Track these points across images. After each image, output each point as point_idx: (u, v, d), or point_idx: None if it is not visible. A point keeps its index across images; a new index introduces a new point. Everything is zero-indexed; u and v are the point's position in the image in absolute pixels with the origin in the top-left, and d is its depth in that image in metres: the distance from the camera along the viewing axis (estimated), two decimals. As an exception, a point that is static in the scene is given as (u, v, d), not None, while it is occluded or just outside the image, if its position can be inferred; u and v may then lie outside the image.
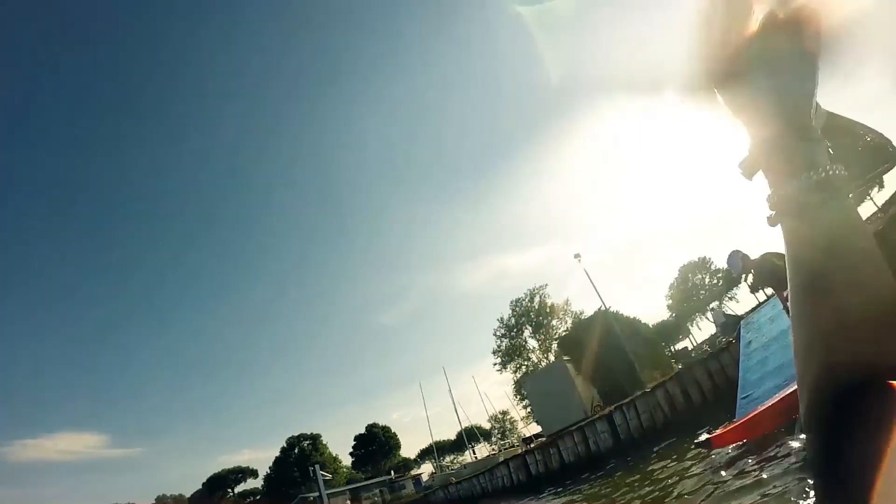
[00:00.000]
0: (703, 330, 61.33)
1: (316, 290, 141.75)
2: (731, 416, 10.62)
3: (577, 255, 30.38)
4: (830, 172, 0.54)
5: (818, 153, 0.56)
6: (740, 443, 7.89)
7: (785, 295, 7.80)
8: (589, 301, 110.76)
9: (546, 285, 53.13)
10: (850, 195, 0.55)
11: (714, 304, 58.69)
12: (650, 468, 11.01)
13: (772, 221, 0.60)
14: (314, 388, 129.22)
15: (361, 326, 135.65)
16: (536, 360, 49.07)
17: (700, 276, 66.13)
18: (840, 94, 0.65)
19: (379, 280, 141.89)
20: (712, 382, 15.50)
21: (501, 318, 52.14)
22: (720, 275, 64.00)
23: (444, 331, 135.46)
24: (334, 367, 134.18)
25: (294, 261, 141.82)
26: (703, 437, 8.48)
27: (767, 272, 7.80)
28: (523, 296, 52.75)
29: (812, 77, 0.57)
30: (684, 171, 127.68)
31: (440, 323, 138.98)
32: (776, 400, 7.84)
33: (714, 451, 8.23)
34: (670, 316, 62.22)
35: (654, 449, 13.03)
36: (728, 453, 7.97)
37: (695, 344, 50.50)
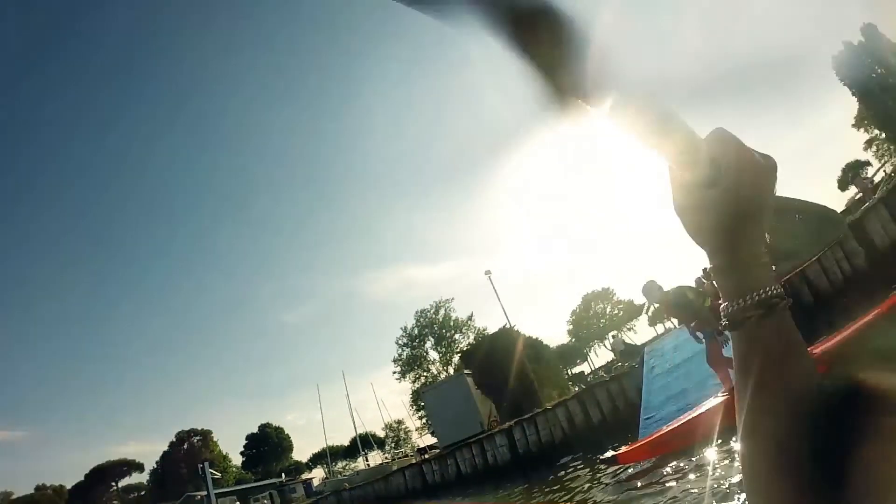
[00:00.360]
0: (600, 356, 63.55)
1: (217, 277, 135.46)
2: (632, 436, 10.89)
3: (487, 272, 30.88)
4: (770, 292, 0.64)
5: (762, 275, 0.65)
6: (647, 460, 8.01)
7: (693, 325, 8.09)
8: (494, 318, 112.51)
9: (452, 299, 53.42)
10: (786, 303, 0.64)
11: (613, 333, 60.83)
12: (556, 481, 11.06)
13: (725, 330, 0.69)
14: (208, 381, 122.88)
15: (262, 322, 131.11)
16: (436, 372, 49.04)
17: (602, 306, 68.68)
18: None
19: (285, 276, 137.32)
20: (613, 404, 15.85)
21: (405, 327, 51.88)
22: (622, 305, 66.69)
23: (347, 335, 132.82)
24: (230, 360, 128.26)
25: (193, 245, 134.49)
26: (609, 454, 8.59)
27: (681, 303, 8.06)
28: (429, 307, 52.95)
29: (766, 217, 0.67)
30: (598, 204, 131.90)
31: (343, 326, 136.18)
32: (682, 422, 8.04)
33: (620, 468, 8.31)
34: (570, 340, 63.94)
35: (557, 464, 13.13)
36: (634, 470, 8.06)
37: (592, 368, 51.93)
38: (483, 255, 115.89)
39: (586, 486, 8.85)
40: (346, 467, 65.52)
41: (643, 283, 8.44)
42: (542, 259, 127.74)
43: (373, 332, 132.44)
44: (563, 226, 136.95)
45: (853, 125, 57.07)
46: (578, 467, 11.42)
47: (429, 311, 52.27)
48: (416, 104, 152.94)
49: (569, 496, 8.69)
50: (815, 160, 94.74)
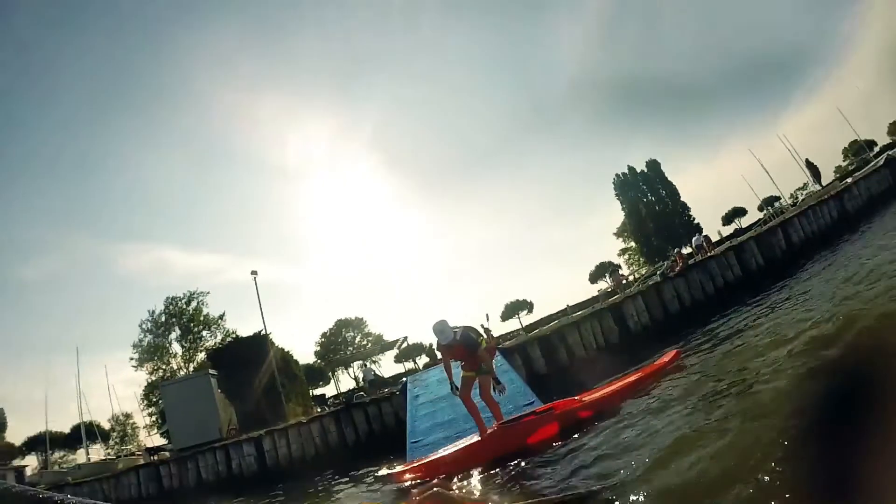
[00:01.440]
0: (342, 382, 63.61)
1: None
2: (393, 458, 11.29)
3: (254, 272, 29.15)
4: None
5: None
6: (423, 480, 8.29)
7: (473, 358, 8.75)
8: (249, 323, 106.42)
9: (208, 293, 50.58)
10: None
11: (361, 362, 61.30)
12: (319, 496, 10.87)
13: None
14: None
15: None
16: (176, 367, 45.22)
17: (352, 333, 69.09)
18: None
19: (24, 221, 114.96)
20: (369, 426, 16.14)
21: (152, 312, 47.77)
22: (371, 338, 67.72)
23: (85, 306, 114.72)
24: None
25: None
26: (385, 471, 8.81)
27: (468, 342, 8.74)
28: (181, 296, 49.20)
29: None
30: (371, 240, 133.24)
31: (83, 296, 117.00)
32: (459, 448, 8.54)
33: (395, 486, 8.48)
34: (316, 361, 63.22)
35: (314, 479, 12.94)
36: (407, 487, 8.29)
37: (337, 392, 51.47)
38: (253, 255, 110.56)
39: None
40: (65, 458, 57.19)
41: (435, 321, 8.94)
42: (309, 272, 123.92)
43: (113, 310, 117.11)
44: (340, 247, 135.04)
45: (615, 233, 67.74)
46: (340, 484, 11.41)
47: (180, 300, 48.64)
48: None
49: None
50: (578, 252, 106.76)
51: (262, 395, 26.23)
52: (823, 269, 14.59)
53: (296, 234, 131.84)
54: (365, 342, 68.70)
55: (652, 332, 16.56)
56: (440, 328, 8.79)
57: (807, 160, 35.45)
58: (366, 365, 43.09)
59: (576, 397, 9.56)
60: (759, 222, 45.16)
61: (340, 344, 67.82)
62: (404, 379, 21.48)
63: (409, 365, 49.23)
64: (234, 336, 43.47)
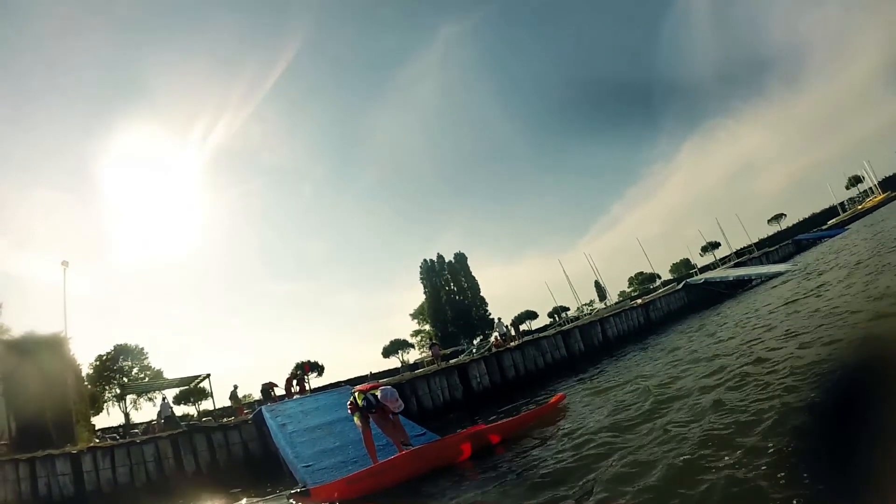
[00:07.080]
0: (111, 414, 56.86)
1: None
2: (272, 479, 11.05)
3: (65, 263, 25.01)
4: None
5: None
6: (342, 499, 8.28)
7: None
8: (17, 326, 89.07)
9: None
10: None
11: (164, 396, 55.05)
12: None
13: None
14: None
15: None
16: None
17: (129, 363, 62.49)
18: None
19: None
20: (212, 456, 14.92)
21: None
22: (150, 372, 61.67)
23: None
24: None
25: None
26: (298, 488, 8.67)
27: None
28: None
29: None
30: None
31: None
32: (373, 469, 8.66)
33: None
34: (87, 385, 55.96)
35: None
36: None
37: (125, 423, 45.00)
38: (34, 245, 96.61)
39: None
40: None
41: (387, 391, 9.28)
42: (92, 284, 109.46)
43: None
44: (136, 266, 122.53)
45: (411, 314, 69.55)
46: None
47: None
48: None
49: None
50: (369, 323, 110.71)
51: (49, 407, 22.71)
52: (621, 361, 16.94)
53: (93, 232, 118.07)
54: (143, 375, 62.36)
55: (492, 393, 18.00)
56: (395, 394, 9.22)
57: (596, 282, 41.21)
58: (164, 399, 38.27)
59: (481, 424, 10.44)
60: (553, 325, 50.39)
61: (115, 372, 61.00)
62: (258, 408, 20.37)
63: (195, 406, 45.19)
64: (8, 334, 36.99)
